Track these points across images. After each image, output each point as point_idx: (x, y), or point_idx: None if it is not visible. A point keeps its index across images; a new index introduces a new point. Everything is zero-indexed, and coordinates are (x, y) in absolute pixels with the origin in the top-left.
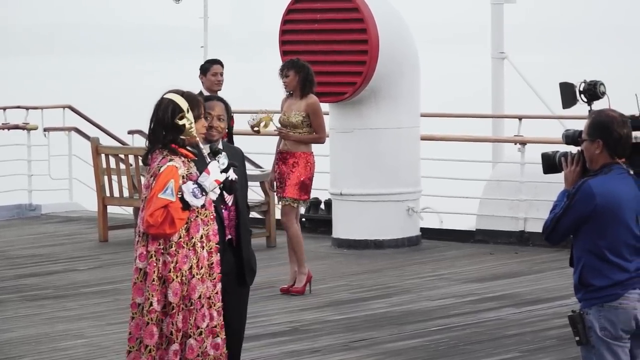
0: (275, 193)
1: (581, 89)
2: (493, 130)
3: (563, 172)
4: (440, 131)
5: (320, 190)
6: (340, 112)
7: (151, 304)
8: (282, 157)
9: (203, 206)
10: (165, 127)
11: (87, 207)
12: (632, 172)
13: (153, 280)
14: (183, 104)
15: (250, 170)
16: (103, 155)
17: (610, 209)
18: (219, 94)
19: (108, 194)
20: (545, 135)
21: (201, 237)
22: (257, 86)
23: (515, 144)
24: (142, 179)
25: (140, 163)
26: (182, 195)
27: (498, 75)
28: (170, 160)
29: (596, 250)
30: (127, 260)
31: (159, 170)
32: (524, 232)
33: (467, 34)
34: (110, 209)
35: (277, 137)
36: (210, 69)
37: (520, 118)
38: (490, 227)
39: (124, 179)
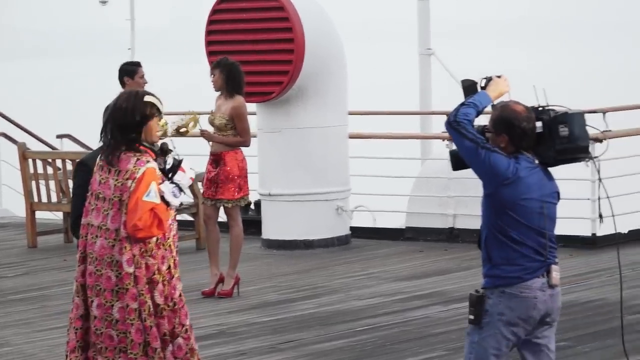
0: (202, 193)
1: (482, 85)
2: (421, 127)
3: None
4: (368, 129)
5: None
6: (268, 111)
7: (150, 307)
8: (212, 159)
9: (180, 205)
10: (133, 127)
11: (17, 213)
12: (537, 162)
13: (146, 284)
14: (159, 104)
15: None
16: (30, 160)
17: (515, 193)
18: None
19: (36, 199)
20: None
21: (173, 236)
22: (187, 88)
23: (443, 140)
24: (99, 179)
25: (70, 167)
26: (163, 195)
27: (425, 72)
28: (147, 161)
29: (499, 227)
30: (55, 266)
31: (138, 172)
32: (454, 228)
33: (395, 32)
34: (40, 214)
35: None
36: (137, 71)
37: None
38: (420, 224)
39: (52, 183)
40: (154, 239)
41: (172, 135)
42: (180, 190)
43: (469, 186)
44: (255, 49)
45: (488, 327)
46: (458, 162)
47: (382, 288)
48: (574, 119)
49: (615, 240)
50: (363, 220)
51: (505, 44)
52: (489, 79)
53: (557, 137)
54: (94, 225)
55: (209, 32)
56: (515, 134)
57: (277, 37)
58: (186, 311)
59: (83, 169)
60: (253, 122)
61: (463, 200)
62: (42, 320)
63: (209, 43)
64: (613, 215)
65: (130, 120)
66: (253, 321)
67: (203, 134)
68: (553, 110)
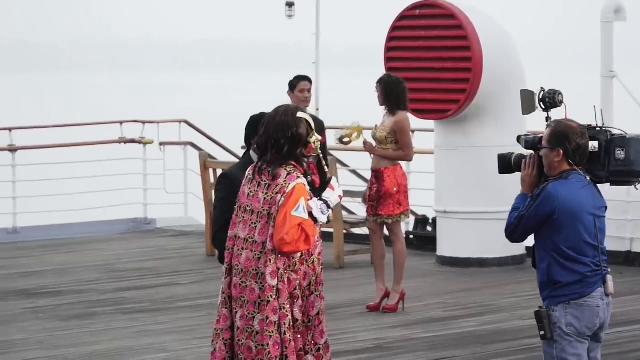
0: (366, 209)
1: (540, 97)
2: None
3: (520, 174)
4: None
5: (426, 207)
6: (445, 129)
7: (290, 321)
8: (373, 174)
9: (328, 222)
10: (298, 144)
11: (202, 222)
12: (589, 179)
13: (288, 298)
14: (311, 123)
15: (355, 186)
16: (211, 170)
17: (570, 210)
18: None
19: None
20: None
21: (319, 254)
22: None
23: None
24: (247, 191)
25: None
26: (311, 211)
27: (607, 94)
28: (298, 177)
29: (558, 250)
30: None
31: (288, 187)
32: (631, 252)
33: (576, 52)
34: None
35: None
36: (297, 85)
37: None
38: None
39: None
40: (299, 254)
41: (336, 145)
42: (328, 207)
43: None
44: (434, 67)
45: (562, 338)
46: (505, 166)
47: None
48: (631, 144)
49: None
50: None
51: None
52: (524, 157)
53: (613, 159)
54: (241, 237)
55: (388, 49)
56: (569, 149)
57: (456, 55)
58: (322, 330)
59: (225, 181)
60: (430, 139)
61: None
62: (204, 328)
63: (388, 59)
64: None
65: (300, 136)
66: (412, 337)
67: (365, 145)
68: (609, 131)
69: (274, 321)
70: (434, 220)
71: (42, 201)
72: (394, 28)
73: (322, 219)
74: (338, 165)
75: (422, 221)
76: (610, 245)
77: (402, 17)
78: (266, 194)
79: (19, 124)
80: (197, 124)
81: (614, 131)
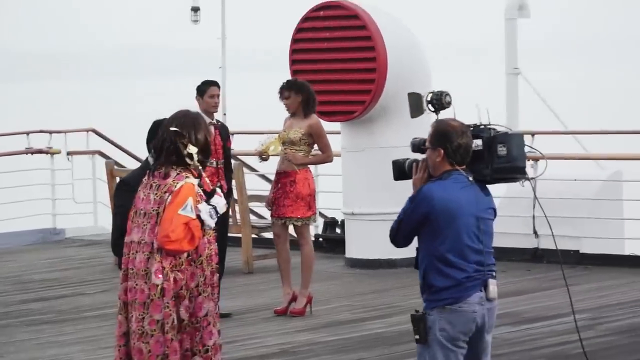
0: (270, 213)
1: (428, 99)
2: None
3: (412, 179)
4: None
5: (334, 209)
6: (351, 130)
7: (174, 321)
8: (280, 176)
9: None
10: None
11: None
12: (471, 179)
13: (172, 297)
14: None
15: (264, 191)
16: (118, 178)
17: (448, 212)
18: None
19: None
20: (559, 150)
21: (207, 256)
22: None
23: (529, 160)
24: (142, 196)
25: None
26: (199, 214)
27: (512, 91)
28: (187, 177)
29: (436, 253)
30: None
31: (175, 186)
32: (538, 249)
33: (481, 49)
34: None
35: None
36: (207, 90)
37: (532, 134)
38: (504, 244)
39: None
40: (185, 254)
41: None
42: (217, 213)
43: (556, 206)
44: (339, 68)
45: (434, 342)
46: (400, 172)
47: None
48: (513, 140)
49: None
50: None
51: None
52: (414, 162)
53: (496, 156)
54: (135, 241)
55: (293, 51)
56: (450, 148)
57: (360, 56)
58: (211, 331)
59: (124, 187)
60: (337, 141)
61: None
62: (110, 337)
63: (293, 62)
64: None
65: (190, 140)
66: (318, 340)
67: (287, 155)
68: (494, 129)
69: (157, 320)
70: (343, 222)
71: None
72: (298, 30)
73: (211, 222)
74: (247, 170)
75: (331, 224)
76: (518, 242)
77: (306, 18)
78: (155, 194)
79: None
80: (106, 132)
81: (499, 129)
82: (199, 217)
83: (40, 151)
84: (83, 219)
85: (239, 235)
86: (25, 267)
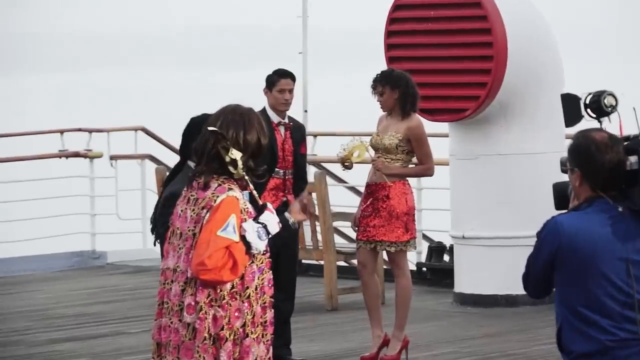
0: (356, 235)
1: (587, 102)
2: None
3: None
4: None
5: (440, 232)
6: (462, 133)
7: None
8: (370, 189)
9: (265, 251)
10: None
11: None
12: (621, 209)
13: (204, 340)
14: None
15: (347, 207)
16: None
17: (581, 252)
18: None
19: None
20: None
21: (256, 287)
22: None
23: None
24: (179, 212)
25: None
26: (245, 234)
27: None
28: (230, 189)
29: (569, 304)
30: None
31: (215, 200)
32: None
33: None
34: None
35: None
36: (277, 83)
37: None
38: None
39: None
40: (228, 285)
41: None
42: (268, 233)
43: None
44: (446, 55)
45: None
46: (563, 199)
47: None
48: None
49: None
50: None
51: None
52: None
53: None
54: (170, 268)
55: (389, 34)
56: (589, 169)
57: (473, 40)
58: None
59: (172, 203)
60: (444, 146)
61: None
62: None
63: (389, 47)
64: None
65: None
66: None
67: (374, 162)
68: None
69: None
70: (451, 248)
71: None
72: (396, 7)
73: (259, 245)
74: (332, 181)
75: (436, 250)
76: None
77: None
78: (193, 210)
79: None
80: (158, 132)
81: None
82: (244, 238)
83: (77, 154)
84: (129, 240)
85: (321, 262)
86: (55, 299)
